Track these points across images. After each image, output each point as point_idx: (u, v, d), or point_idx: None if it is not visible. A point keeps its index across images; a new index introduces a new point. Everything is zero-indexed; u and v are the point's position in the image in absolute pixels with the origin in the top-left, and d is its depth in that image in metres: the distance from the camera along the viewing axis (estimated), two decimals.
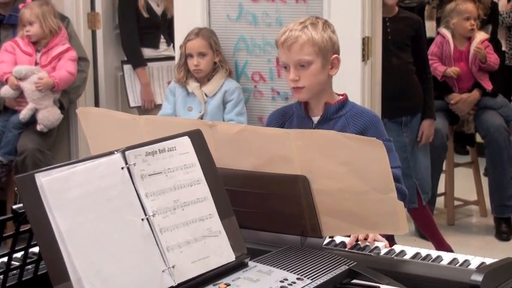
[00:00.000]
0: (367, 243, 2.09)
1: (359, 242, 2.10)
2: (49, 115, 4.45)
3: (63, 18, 4.79)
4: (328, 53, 2.48)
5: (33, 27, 4.49)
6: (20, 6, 4.58)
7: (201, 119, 3.86)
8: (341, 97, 2.55)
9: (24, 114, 4.44)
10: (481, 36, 4.88)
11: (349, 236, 2.11)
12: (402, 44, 4.34)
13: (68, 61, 4.56)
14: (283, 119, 2.60)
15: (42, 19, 4.48)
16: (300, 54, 2.45)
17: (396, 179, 2.32)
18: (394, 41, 4.28)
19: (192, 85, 3.94)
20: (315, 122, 2.52)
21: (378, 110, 3.84)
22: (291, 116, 2.58)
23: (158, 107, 4.78)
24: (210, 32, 3.96)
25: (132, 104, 5.10)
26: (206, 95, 3.94)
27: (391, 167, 2.30)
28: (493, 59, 4.84)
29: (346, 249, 2.04)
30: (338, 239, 2.11)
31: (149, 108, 5.08)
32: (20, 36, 4.55)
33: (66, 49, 4.58)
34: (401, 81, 4.30)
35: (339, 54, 2.51)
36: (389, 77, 4.04)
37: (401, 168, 2.42)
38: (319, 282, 1.62)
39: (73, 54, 4.59)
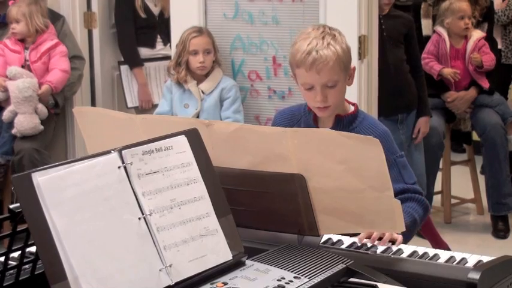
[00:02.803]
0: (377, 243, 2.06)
1: (366, 241, 2.08)
2: (24, 121, 4.43)
3: (59, 17, 4.79)
4: (349, 65, 2.40)
5: (19, 26, 4.50)
6: (10, 3, 4.59)
7: (197, 116, 3.87)
8: (352, 107, 2.47)
9: (5, 115, 4.45)
10: (477, 34, 4.89)
11: (347, 235, 2.10)
12: (396, 41, 4.37)
13: (59, 58, 4.56)
14: (290, 123, 2.51)
15: (29, 18, 4.49)
16: (330, 75, 2.33)
17: (418, 194, 2.32)
18: (388, 38, 4.29)
19: (189, 83, 3.94)
20: None
21: (374, 108, 3.84)
22: (299, 121, 2.51)
23: (156, 106, 4.77)
24: (209, 30, 3.97)
25: (130, 105, 5.10)
26: (203, 92, 3.94)
27: (409, 183, 2.31)
28: (489, 59, 4.84)
29: (344, 247, 2.04)
30: (335, 237, 2.11)
31: (147, 108, 5.07)
32: (7, 37, 4.56)
33: (55, 44, 4.58)
34: (397, 78, 4.32)
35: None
36: (385, 74, 4.05)
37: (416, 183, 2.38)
38: (316, 281, 1.62)
39: (63, 49, 4.59)
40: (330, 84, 2.35)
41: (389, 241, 2.07)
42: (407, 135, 4.44)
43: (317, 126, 2.46)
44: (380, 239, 2.07)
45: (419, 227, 2.33)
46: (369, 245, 2.06)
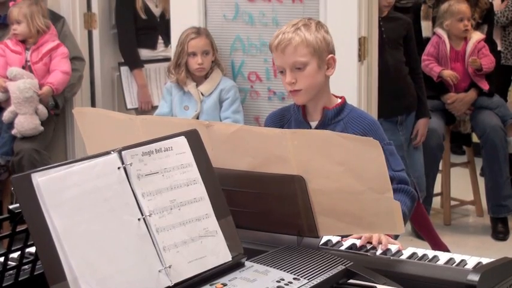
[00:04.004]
0: (377, 247, 2.06)
1: (367, 244, 2.08)
2: (24, 122, 4.43)
3: (59, 18, 4.79)
4: (323, 53, 2.44)
5: (20, 26, 4.50)
6: (10, 4, 4.59)
7: (197, 118, 3.87)
8: (339, 100, 2.51)
9: (5, 116, 4.45)
10: (477, 36, 4.89)
11: (346, 236, 2.10)
12: (396, 43, 4.37)
13: (61, 60, 4.56)
14: (280, 122, 2.56)
15: (30, 19, 4.49)
16: (295, 56, 2.41)
17: (404, 182, 2.33)
18: (388, 40, 4.29)
19: (189, 84, 3.94)
20: (313, 127, 2.48)
21: (374, 110, 3.84)
22: (289, 120, 2.55)
23: (155, 108, 4.77)
24: (207, 30, 3.97)
25: (129, 106, 5.10)
26: (202, 94, 3.94)
27: (396, 171, 2.33)
28: (489, 62, 4.83)
29: (343, 248, 2.04)
30: (335, 239, 2.11)
31: (146, 109, 5.07)
32: (8, 37, 4.56)
33: (57, 45, 4.58)
34: (396, 80, 4.32)
35: (334, 54, 2.50)
36: (385, 76, 4.05)
37: (404, 170, 2.40)
38: (315, 282, 1.62)
39: (64, 51, 4.60)
40: (297, 65, 2.42)
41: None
42: (407, 137, 4.44)
43: (307, 121, 2.49)
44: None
45: (408, 218, 2.35)
46: (369, 246, 2.06)
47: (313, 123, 2.49)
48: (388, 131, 4.17)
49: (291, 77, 2.43)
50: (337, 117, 2.47)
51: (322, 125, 2.46)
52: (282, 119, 2.57)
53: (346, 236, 2.10)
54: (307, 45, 2.41)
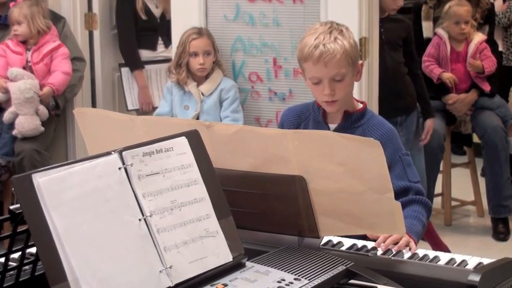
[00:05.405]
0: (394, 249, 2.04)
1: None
2: (25, 122, 4.42)
3: (60, 19, 4.79)
4: (357, 61, 2.40)
5: (21, 27, 4.50)
6: (11, 5, 4.59)
7: (197, 117, 3.87)
8: (361, 105, 2.47)
9: (5, 116, 4.45)
10: (478, 37, 4.88)
11: (347, 237, 2.10)
12: (395, 44, 4.37)
13: (61, 61, 4.56)
14: (298, 120, 2.50)
15: (31, 19, 4.49)
16: (338, 68, 2.33)
17: (421, 193, 2.32)
18: (387, 41, 4.29)
19: (189, 84, 3.95)
20: (332, 129, 2.41)
21: (375, 110, 3.84)
22: (307, 118, 2.49)
23: (156, 109, 4.77)
24: (209, 30, 3.97)
25: (130, 107, 5.09)
26: (203, 94, 3.94)
27: (413, 182, 2.32)
28: (491, 64, 4.82)
29: (344, 249, 2.04)
30: (336, 239, 2.11)
31: (147, 110, 5.06)
32: (9, 38, 4.56)
33: (58, 46, 4.58)
34: (396, 81, 4.32)
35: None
36: (384, 77, 4.05)
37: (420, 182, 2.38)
38: (316, 283, 1.62)
39: (65, 51, 4.59)
40: (337, 77, 2.35)
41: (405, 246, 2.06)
42: (407, 137, 4.44)
43: (326, 123, 2.45)
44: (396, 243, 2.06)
45: (425, 229, 2.34)
46: (369, 246, 2.06)
47: (332, 126, 2.43)
48: None
49: (330, 89, 2.35)
50: (358, 122, 2.42)
51: (341, 128, 2.39)
52: (300, 116, 2.51)
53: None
54: (347, 55, 2.34)
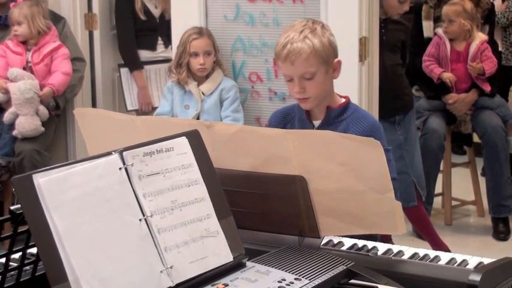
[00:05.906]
0: None
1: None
2: (25, 123, 4.42)
3: (60, 19, 4.79)
4: (330, 59, 2.43)
5: (21, 27, 4.50)
6: (11, 5, 4.59)
7: (198, 117, 3.87)
8: (343, 100, 2.51)
9: (6, 117, 4.45)
10: (479, 37, 4.88)
11: (348, 237, 2.10)
12: (395, 46, 4.37)
13: (62, 61, 4.56)
14: (284, 121, 2.57)
15: (31, 20, 4.49)
16: (305, 67, 2.39)
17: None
18: (388, 42, 4.30)
19: (190, 84, 3.95)
20: (316, 126, 2.49)
21: (375, 110, 3.84)
22: (293, 119, 2.56)
23: (156, 109, 4.77)
24: (209, 30, 3.97)
25: (129, 108, 5.09)
26: (203, 94, 3.94)
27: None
28: (491, 65, 4.81)
29: (344, 249, 2.04)
30: (336, 239, 2.11)
31: (147, 111, 5.07)
32: (9, 38, 4.56)
33: (58, 46, 4.58)
34: (393, 81, 4.32)
35: (338, 56, 2.49)
36: (382, 77, 4.05)
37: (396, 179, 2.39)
38: (317, 283, 1.62)
39: (65, 52, 4.59)
40: (306, 76, 2.41)
41: None
42: (405, 136, 4.44)
43: (310, 120, 2.50)
44: None
45: None
46: (370, 246, 2.06)
47: (317, 123, 2.50)
48: (386, 131, 4.16)
49: (300, 87, 2.42)
50: (340, 117, 2.47)
51: (325, 124, 2.47)
52: (286, 118, 2.58)
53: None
54: (316, 55, 2.39)
